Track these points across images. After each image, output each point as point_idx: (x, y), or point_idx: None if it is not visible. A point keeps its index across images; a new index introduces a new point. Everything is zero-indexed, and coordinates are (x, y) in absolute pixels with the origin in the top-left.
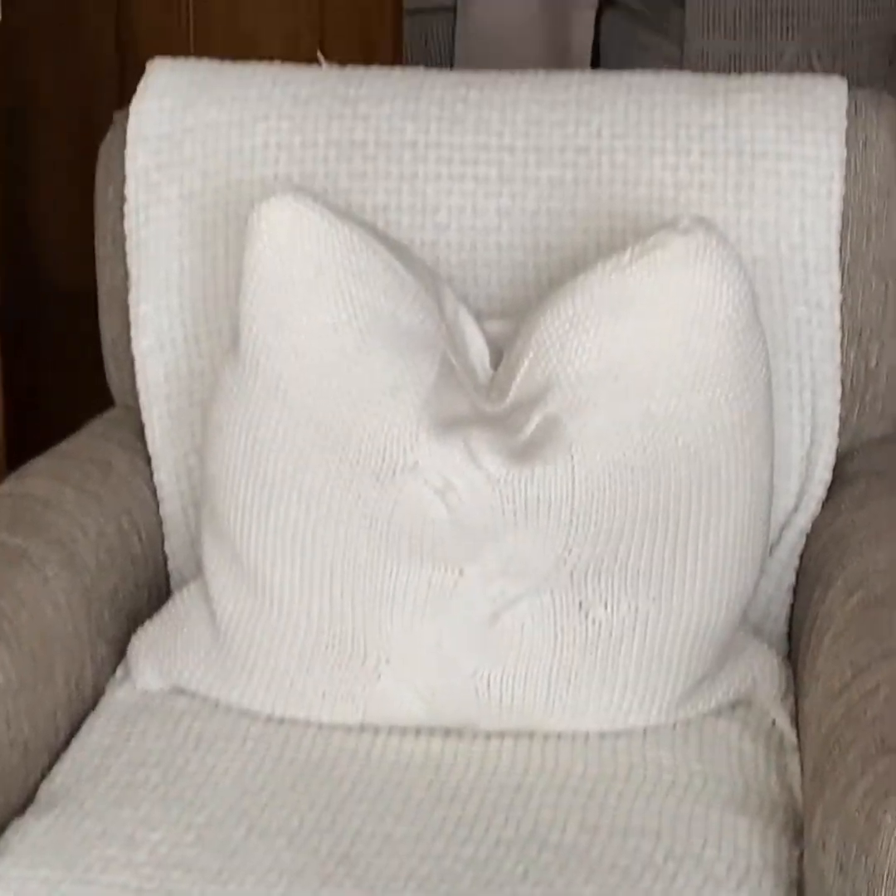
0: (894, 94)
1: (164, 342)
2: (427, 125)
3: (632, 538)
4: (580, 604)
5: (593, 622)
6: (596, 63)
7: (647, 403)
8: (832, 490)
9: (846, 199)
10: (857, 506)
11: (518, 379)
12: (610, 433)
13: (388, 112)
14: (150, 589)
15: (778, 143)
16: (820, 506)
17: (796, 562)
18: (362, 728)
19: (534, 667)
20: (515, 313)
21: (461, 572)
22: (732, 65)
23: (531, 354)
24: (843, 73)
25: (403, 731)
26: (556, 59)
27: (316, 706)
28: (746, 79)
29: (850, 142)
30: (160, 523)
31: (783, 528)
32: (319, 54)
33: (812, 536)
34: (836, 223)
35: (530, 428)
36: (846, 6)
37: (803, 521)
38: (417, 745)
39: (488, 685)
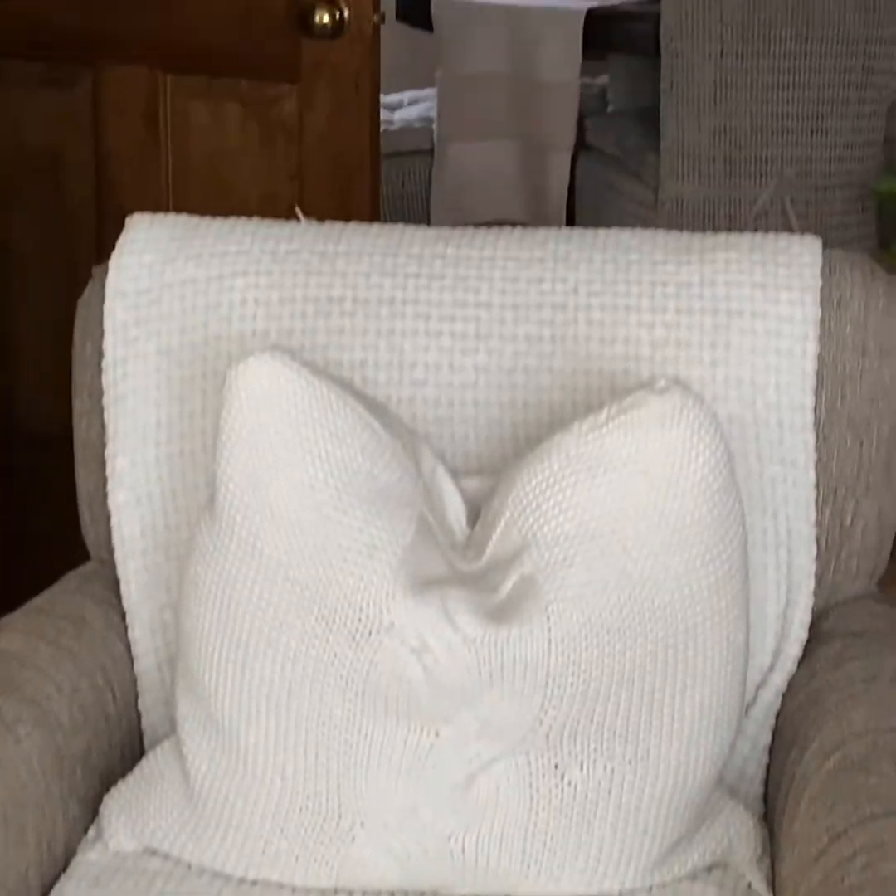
0: (866, 240)
1: (141, 496)
2: (404, 282)
3: (608, 700)
4: (556, 765)
5: (569, 784)
6: (572, 206)
7: (624, 564)
8: (808, 649)
9: (821, 358)
10: (833, 666)
11: (495, 538)
12: (587, 594)
13: (367, 268)
14: (123, 747)
15: (753, 302)
16: (796, 665)
17: (772, 721)
18: (336, 891)
19: (509, 830)
20: (492, 470)
21: (437, 734)
22: (706, 210)
23: (508, 513)
24: (816, 219)
25: (377, 894)
26: (532, 201)
27: (289, 869)
28: (721, 237)
29: (824, 301)
30: (134, 680)
31: (759, 687)
32: (297, 210)
33: (788, 696)
34: (810, 382)
35: (507, 587)
36: (819, 154)
37: (779, 680)
38: None
39: (464, 849)
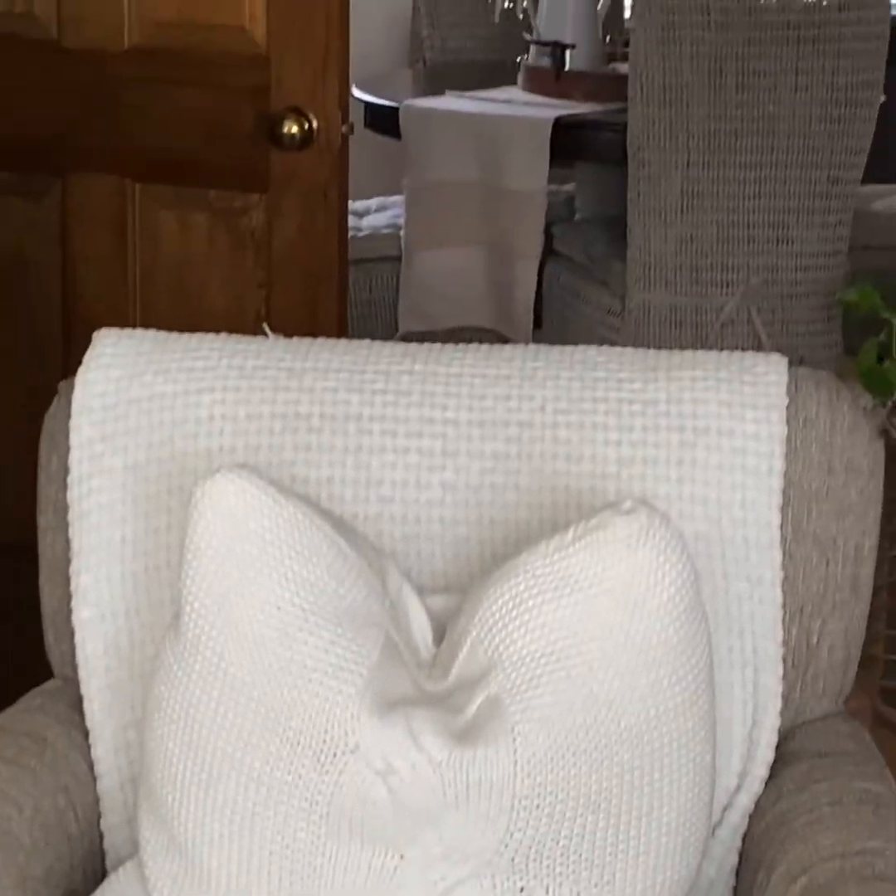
0: (832, 348)
1: (105, 613)
2: (372, 398)
3: (574, 822)
4: (521, 889)
5: None
6: (539, 313)
7: (590, 685)
8: (774, 769)
9: (787, 476)
10: (800, 787)
11: (460, 657)
12: (552, 715)
13: (334, 384)
14: (85, 868)
15: (719, 420)
16: (763, 786)
17: (739, 843)
18: None
19: None
20: (459, 588)
21: (402, 856)
22: (673, 318)
23: (474, 633)
24: (782, 328)
25: None
26: (499, 309)
27: None
28: (688, 354)
29: (790, 419)
30: (97, 800)
31: (725, 808)
32: (265, 325)
33: (755, 817)
34: (777, 499)
35: (472, 708)
36: (785, 263)
37: (746, 801)
38: None
39: None
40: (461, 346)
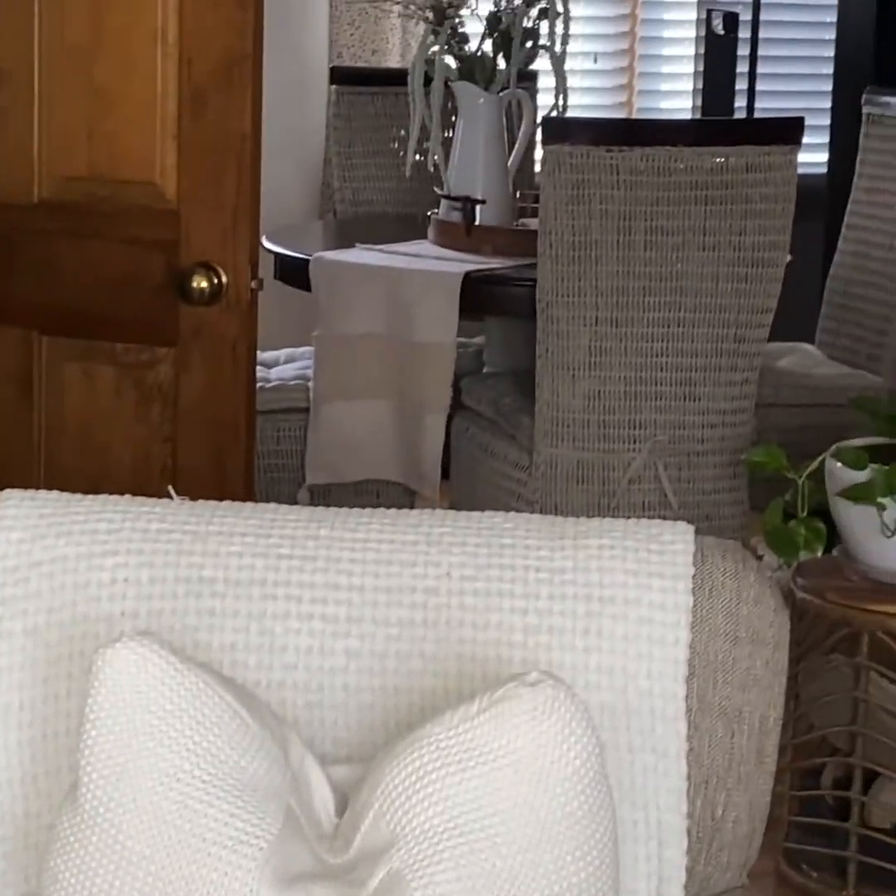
0: (738, 505)
1: (0, 782)
2: (277, 563)
3: None
4: None
5: None
6: (446, 466)
7: (493, 861)
8: None
9: (693, 646)
10: None
11: (363, 829)
12: (454, 891)
13: (239, 549)
14: None
15: (626, 589)
16: None
17: None
18: None
19: None
20: (362, 757)
21: None
22: (580, 473)
23: (376, 805)
24: (689, 484)
25: None
26: (407, 462)
27: None
28: (595, 522)
29: (696, 588)
30: None
31: None
32: (170, 488)
33: None
34: (682, 670)
35: (374, 883)
36: (692, 420)
37: None
38: None
39: None
40: (368, 510)
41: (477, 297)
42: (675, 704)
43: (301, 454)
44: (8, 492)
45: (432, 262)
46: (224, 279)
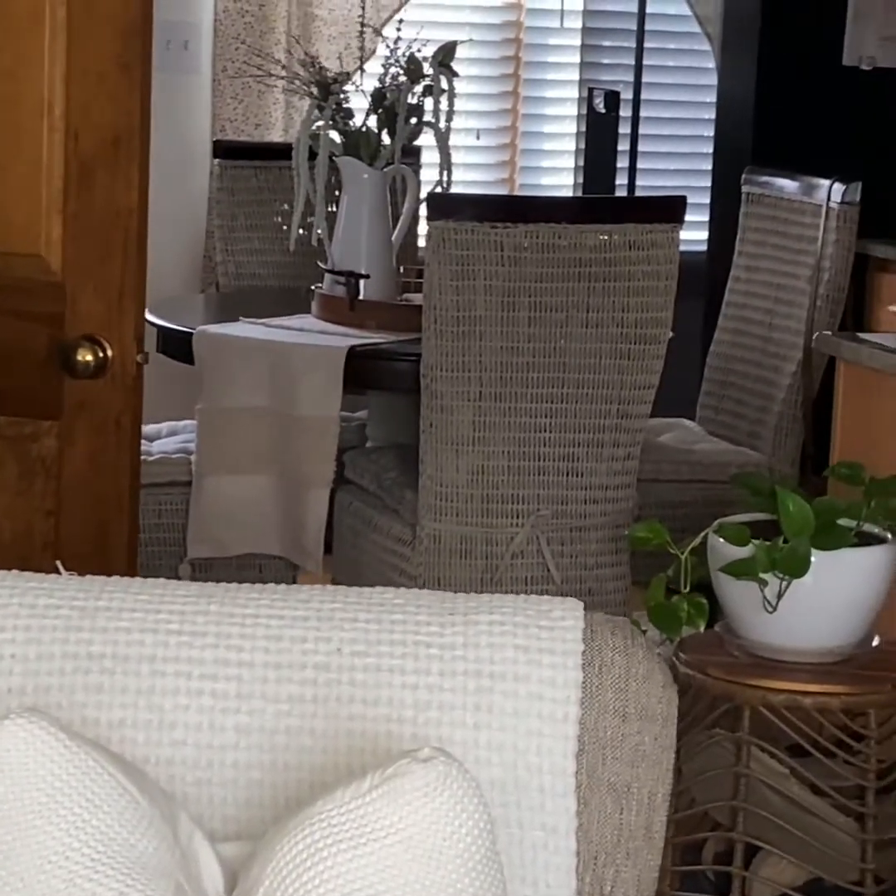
0: (621, 579)
1: None
2: (166, 638)
3: None
4: None
5: None
6: (329, 540)
7: None
8: None
9: (582, 722)
10: None
11: None
12: None
13: (127, 624)
14: None
15: (516, 665)
16: None
17: None
18: None
19: None
20: (251, 835)
21: None
22: (463, 548)
23: (267, 883)
24: (572, 559)
25: None
26: (290, 536)
27: None
28: (485, 598)
29: (586, 665)
30: None
31: None
32: (58, 563)
33: None
34: (572, 746)
35: None
36: (575, 495)
37: None
38: None
39: None
40: (258, 586)
41: (360, 371)
42: (565, 780)
43: (183, 527)
44: None
45: (316, 336)
46: (109, 352)
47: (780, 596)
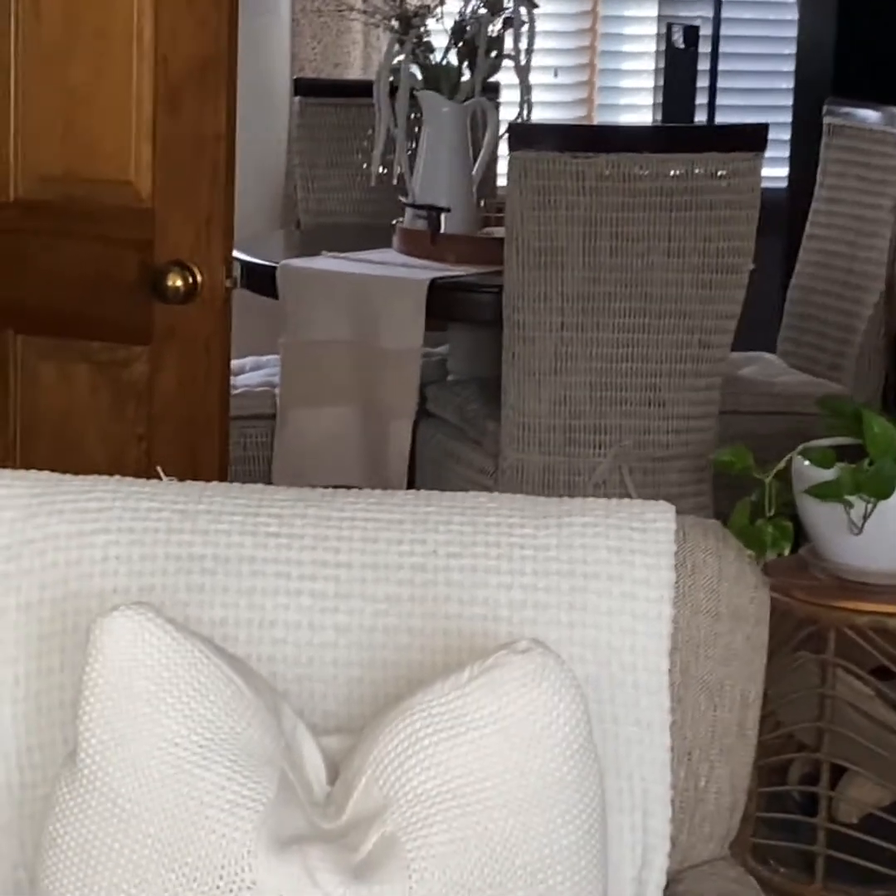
0: (702, 511)
1: None
2: (265, 540)
3: None
4: None
5: None
6: (412, 473)
7: (485, 823)
8: None
9: (675, 621)
10: None
11: (355, 796)
12: (448, 853)
13: (227, 527)
14: None
15: (609, 566)
16: None
17: None
18: None
19: None
20: (351, 729)
21: None
22: (545, 478)
23: (369, 772)
24: (654, 489)
25: None
26: (373, 468)
27: None
28: (578, 502)
29: (678, 566)
30: None
31: None
32: (159, 468)
33: None
34: (666, 645)
35: (367, 846)
36: (657, 425)
37: None
38: None
39: None
40: (353, 491)
41: (443, 303)
42: (659, 678)
43: (268, 460)
44: None
45: (398, 269)
46: (199, 278)
47: (865, 518)
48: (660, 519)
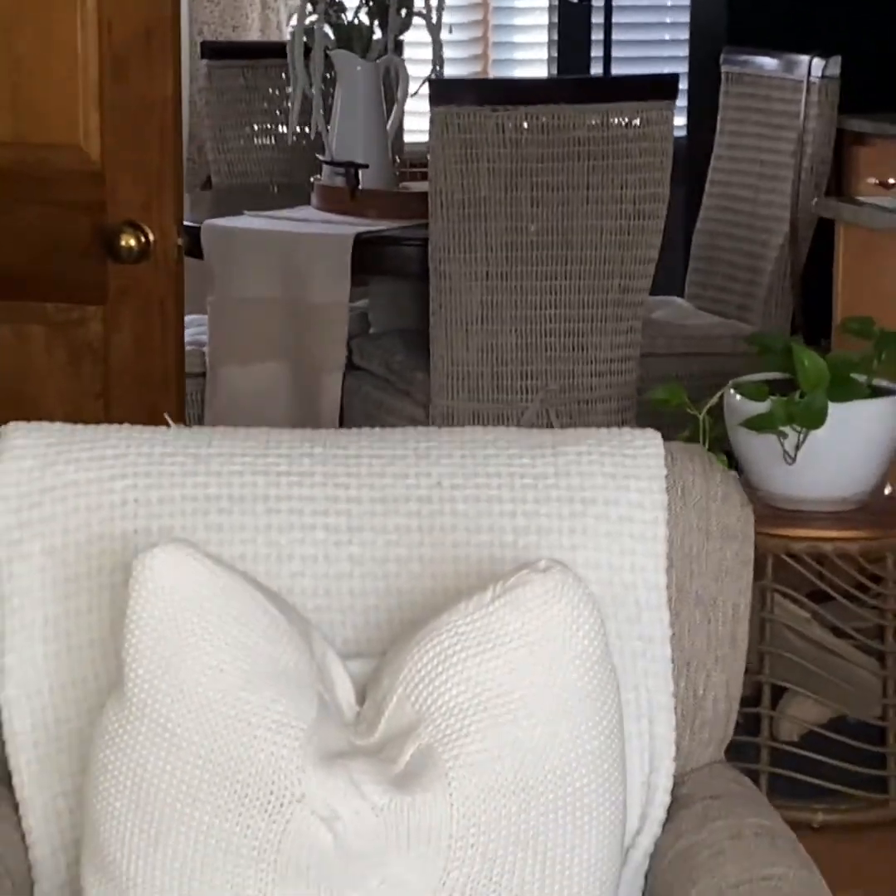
0: None
1: (31, 692)
2: (277, 479)
3: (505, 860)
4: None
5: None
6: (342, 425)
7: (516, 733)
8: (670, 812)
9: (669, 541)
10: (698, 826)
11: (387, 714)
12: (482, 761)
13: (239, 468)
14: None
15: (605, 491)
16: (661, 827)
17: (641, 882)
18: None
19: None
20: (371, 654)
21: None
22: (475, 424)
23: (400, 690)
24: None
25: None
26: (305, 423)
27: None
28: (570, 432)
29: (669, 488)
30: (29, 868)
31: (628, 849)
32: (166, 415)
33: (656, 857)
34: (663, 563)
35: (404, 759)
36: (581, 370)
37: (647, 842)
38: None
39: None
40: (354, 429)
41: (367, 257)
42: (658, 594)
43: (199, 418)
44: (13, 424)
45: (321, 225)
46: (151, 237)
47: (798, 448)
48: (649, 445)
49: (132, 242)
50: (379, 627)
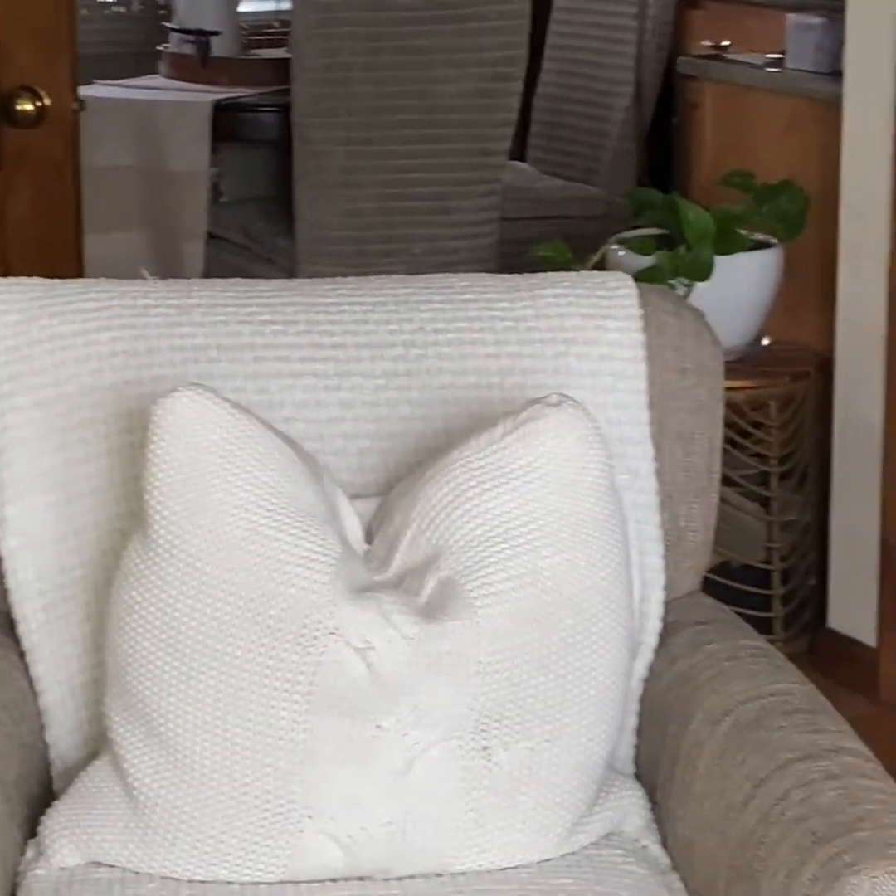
0: None
1: (32, 542)
2: (262, 328)
3: (528, 684)
4: (484, 748)
5: (496, 764)
6: None
7: (535, 562)
8: (661, 639)
9: (648, 378)
10: (693, 650)
11: (401, 549)
12: (505, 589)
13: (223, 318)
14: (38, 775)
15: (585, 331)
16: (654, 653)
17: (636, 706)
18: (284, 883)
19: (445, 811)
20: (367, 495)
21: (379, 726)
22: None
23: (414, 526)
24: None
25: (322, 883)
26: None
27: (240, 866)
28: (542, 276)
29: (644, 328)
30: (39, 714)
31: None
32: (143, 270)
33: (651, 681)
34: (644, 399)
35: (427, 591)
36: (444, 233)
37: (641, 667)
38: (337, 894)
39: (404, 831)
40: (331, 279)
41: (225, 124)
42: (642, 429)
43: None
44: None
45: (177, 93)
46: (47, 101)
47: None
48: (622, 286)
49: (28, 106)
50: (373, 470)
